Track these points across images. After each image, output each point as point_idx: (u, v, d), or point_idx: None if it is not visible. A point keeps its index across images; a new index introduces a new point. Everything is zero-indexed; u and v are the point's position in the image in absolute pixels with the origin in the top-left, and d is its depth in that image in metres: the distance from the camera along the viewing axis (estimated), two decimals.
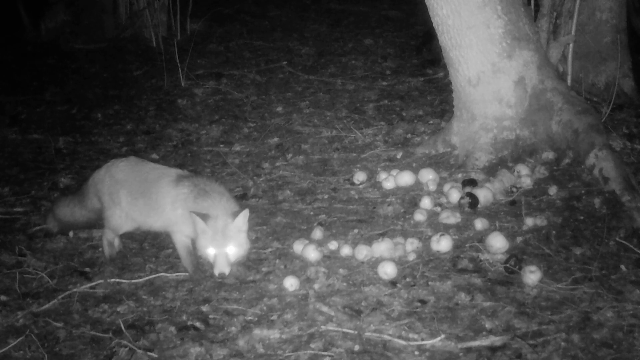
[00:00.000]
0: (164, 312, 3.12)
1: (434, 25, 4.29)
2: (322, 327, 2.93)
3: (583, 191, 3.83)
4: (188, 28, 7.54)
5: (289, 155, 4.73)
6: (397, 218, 3.83)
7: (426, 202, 3.89)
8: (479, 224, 3.63)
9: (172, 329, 2.98)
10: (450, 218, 3.73)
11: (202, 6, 7.78)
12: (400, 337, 2.85)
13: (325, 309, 3.06)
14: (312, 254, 3.46)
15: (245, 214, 3.15)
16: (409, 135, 4.90)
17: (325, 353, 2.78)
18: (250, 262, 3.50)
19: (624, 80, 5.04)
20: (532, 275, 3.14)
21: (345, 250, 3.51)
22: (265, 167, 4.60)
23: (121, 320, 3.04)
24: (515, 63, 4.17)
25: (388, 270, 3.27)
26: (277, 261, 3.49)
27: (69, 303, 3.22)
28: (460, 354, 2.74)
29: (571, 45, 4.67)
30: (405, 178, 4.15)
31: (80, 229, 3.79)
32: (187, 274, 3.41)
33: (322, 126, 5.20)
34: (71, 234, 3.80)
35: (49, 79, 6.52)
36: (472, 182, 4.01)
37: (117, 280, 3.38)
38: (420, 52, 6.81)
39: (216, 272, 3.14)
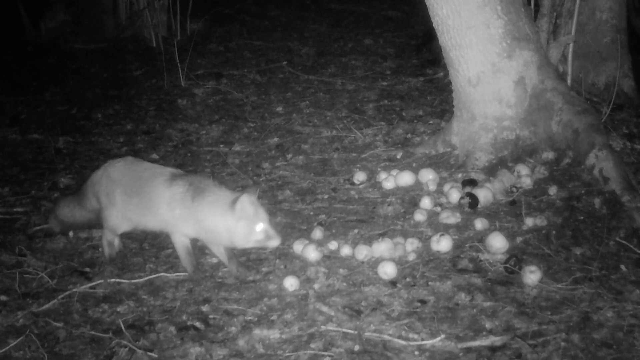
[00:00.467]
0: (164, 312, 3.12)
1: (434, 25, 4.30)
2: (322, 327, 2.94)
3: (583, 191, 3.83)
4: (188, 28, 7.54)
5: (289, 155, 4.73)
6: (397, 218, 3.83)
7: (426, 202, 3.89)
8: (479, 224, 3.63)
9: (172, 329, 2.98)
10: (450, 218, 3.73)
11: (202, 6, 7.77)
12: (400, 337, 2.85)
13: (325, 309, 3.06)
14: (312, 254, 3.46)
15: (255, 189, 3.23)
16: (409, 135, 4.90)
17: (325, 353, 2.78)
18: (250, 262, 3.50)
19: (624, 80, 5.04)
20: (532, 275, 3.14)
21: (345, 250, 3.52)
22: (265, 167, 4.60)
23: (121, 320, 3.04)
24: (515, 63, 4.17)
25: (388, 270, 3.27)
26: (277, 261, 3.49)
27: (69, 303, 3.22)
28: (460, 354, 2.74)
29: (571, 45, 4.67)
30: (405, 178, 4.15)
31: (81, 229, 3.79)
32: (187, 274, 3.41)
33: (322, 126, 5.20)
34: (71, 234, 3.80)
35: (49, 79, 6.52)
36: (472, 182, 4.01)
37: (117, 280, 3.38)
38: (420, 52, 6.81)
39: (277, 242, 3.18)
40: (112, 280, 3.38)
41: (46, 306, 3.19)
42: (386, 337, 2.85)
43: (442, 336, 2.82)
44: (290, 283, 3.25)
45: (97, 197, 3.51)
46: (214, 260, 3.54)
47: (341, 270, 3.37)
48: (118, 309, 3.16)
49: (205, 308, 3.13)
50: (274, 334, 2.92)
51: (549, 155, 4.17)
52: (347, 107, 5.57)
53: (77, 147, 5.06)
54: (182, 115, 5.59)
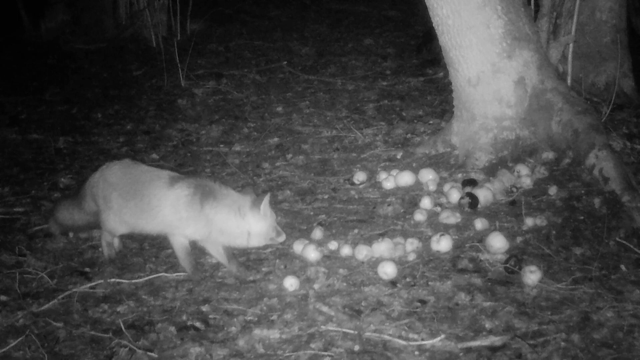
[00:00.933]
0: (164, 312, 3.12)
1: (434, 25, 4.29)
2: (322, 327, 2.94)
3: (583, 191, 3.83)
4: (188, 28, 7.54)
5: (289, 155, 4.73)
6: (397, 218, 3.83)
7: (426, 202, 3.89)
8: (479, 224, 3.63)
9: (172, 329, 2.98)
10: (450, 218, 3.73)
11: (202, 6, 7.77)
12: (400, 337, 2.85)
13: (325, 309, 3.06)
14: (312, 254, 3.46)
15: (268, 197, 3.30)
16: (409, 135, 4.90)
17: (325, 353, 2.78)
18: (250, 262, 3.50)
19: (624, 80, 5.04)
20: (532, 275, 3.14)
21: (345, 250, 3.51)
22: (265, 167, 4.60)
23: (121, 320, 3.04)
24: (515, 63, 4.17)
25: (388, 270, 3.27)
26: (277, 261, 3.49)
27: (69, 303, 3.22)
28: (460, 354, 2.74)
29: (571, 45, 4.67)
30: (405, 178, 4.15)
31: (82, 231, 3.79)
32: (187, 274, 3.41)
33: (322, 126, 5.20)
34: (71, 234, 3.80)
35: (49, 79, 6.52)
36: (472, 182, 4.01)
37: (117, 280, 3.38)
38: (420, 52, 6.81)
39: (284, 237, 3.38)
40: (112, 280, 3.38)
41: (46, 306, 3.19)
42: (386, 337, 2.85)
43: (442, 336, 2.82)
44: (290, 283, 3.25)
45: (94, 200, 3.51)
46: (214, 260, 3.54)
47: (341, 270, 3.37)
48: (118, 309, 3.16)
49: (205, 308, 3.13)
50: (274, 334, 2.92)
51: (549, 155, 4.16)
52: (347, 107, 5.57)
53: (77, 147, 5.06)
54: (182, 115, 5.59)
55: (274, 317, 3.03)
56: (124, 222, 3.43)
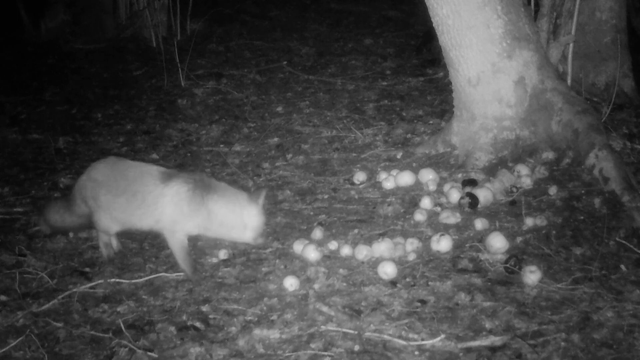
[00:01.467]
0: (164, 312, 3.12)
1: (434, 25, 4.29)
2: (322, 327, 2.94)
3: (583, 191, 3.83)
4: (188, 28, 7.54)
5: (289, 155, 4.73)
6: (397, 218, 3.83)
7: (426, 202, 3.89)
8: (479, 224, 3.63)
9: (172, 329, 2.98)
10: (450, 218, 3.73)
11: (202, 6, 7.77)
12: (400, 337, 2.85)
13: (325, 309, 3.06)
14: (312, 254, 3.46)
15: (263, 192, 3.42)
16: (409, 135, 4.90)
17: (325, 353, 2.78)
18: (250, 262, 3.50)
19: (624, 80, 5.04)
20: (532, 275, 3.14)
21: (345, 250, 3.51)
22: (265, 167, 4.60)
23: (121, 320, 3.04)
24: (515, 63, 4.17)
25: (388, 270, 3.27)
26: (277, 261, 3.49)
27: (69, 303, 3.22)
28: (460, 354, 2.74)
29: (571, 45, 4.67)
30: (405, 178, 4.15)
31: (74, 232, 3.77)
32: (185, 275, 3.40)
33: (322, 126, 5.20)
34: (71, 234, 3.80)
35: (49, 79, 6.52)
36: (472, 182, 4.01)
37: (117, 280, 3.38)
38: (420, 52, 6.81)
39: (263, 240, 3.48)
40: (112, 280, 3.38)
41: (46, 306, 3.19)
42: (386, 337, 2.85)
43: (442, 336, 2.82)
44: (290, 283, 3.25)
45: (85, 202, 3.48)
46: (214, 260, 3.54)
47: (341, 270, 3.37)
48: (118, 309, 3.16)
49: (205, 308, 3.13)
50: (274, 334, 2.92)
51: (549, 155, 4.17)
52: (347, 107, 5.57)
53: (77, 147, 5.06)
54: (182, 115, 5.59)
55: (274, 317, 3.03)
56: (115, 219, 3.42)
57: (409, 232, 3.68)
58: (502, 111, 4.23)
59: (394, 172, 4.23)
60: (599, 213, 3.64)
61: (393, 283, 3.23)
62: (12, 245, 3.71)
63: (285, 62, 6.74)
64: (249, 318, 3.04)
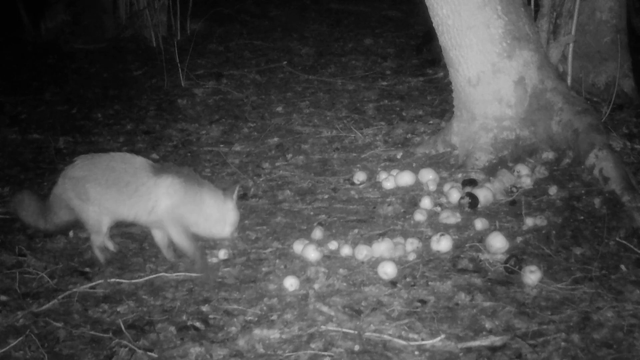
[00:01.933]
0: (164, 312, 3.12)
1: (434, 25, 4.29)
2: (322, 327, 2.94)
3: (583, 191, 3.83)
4: (188, 28, 7.54)
5: (289, 155, 4.73)
6: (397, 218, 3.83)
7: (426, 202, 3.89)
8: (479, 224, 3.63)
9: (172, 329, 2.98)
10: (450, 218, 3.73)
11: (202, 6, 7.77)
12: (400, 337, 2.85)
13: (325, 309, 3.06)
14: (312, 254, 3.46)
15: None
16: (409, 135, 4.90)
17: (325, 353, 2.78)
18: (250, 262, 3.50)
19: (624, 80, 5.04)
20: (532, 275, 3.14)
21: (345, 250, 3.51)
22: (265, 167, 4.60)
23: (121, 320, 3.04)
24: (515, 63, 4.17)
25: (388, 270, 3.27)
26: (277, 261, 3.49)
27: (69, 303, 3.22)
28: (460, 354, 2.74)
29: (571, 45, 4.67)
30: (405, 178, 4.15)
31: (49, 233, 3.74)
32: (187, 274, 3.41)
33: (322, 126, 5.20)
34: (71, 234, 3.80)
35: (49, 79, 6.52)
36: (472, 182, 4.01)
37: (117, 280, 3.38)
38: (420, 52, 6.81)
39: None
40: (112, 280, 3.38)
41: (46, 306, 3.19)
42: (386, 337, 2.85)
43: (442, 336, 2.82)
44: (290, 283, 3.25)
45: (68, 206, 3.47)
46: (214, 260, 3.54)
47: (341, 270, 3.37)
48: (118, 309, 3.16)
49: (205, 308, 3.13)
50: (274, 334, 2.92)
51: (549, 155, 4.17)
52: (347, 107, 5.57)
53: (77, 147, 5.06)
54: (182, 115, 5.60)
55: (274, 317, 3.03)
56: (106, 211, 3.42)
57: (409, 232, 3.68)
58: (502, 111, 4.23)
59: (394, 172, 4.23)
60: (599, 213, 3.64)
61: (393, 283, 3.23)
62: (12, 245, 3.70)
63: (285, 62, 6.74)
64: (249, 318, 3.04)
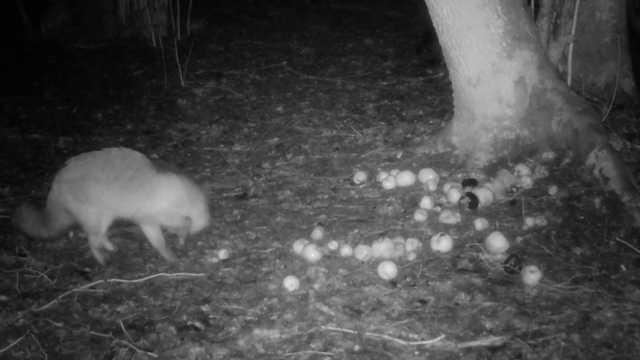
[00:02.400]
0: (164, 312, 3.12)
1: (434, 25, 4.29)
2: (322, 327, 2.94)
3: (583, 191, 3.83)
4: (188, 28, 7.53)
5: (289, 155, 4.73)
6: (397, 218, 3.83)
7: (426, 202, 3.89)
8: (479, 224, 3.63)
9: (172, 329, 2.98)
10: (450, 218, 3.73)
11: (202, 6, 7.77)
12: (400, 337, 2.85)
13: (325, 309, 3.06)
14: (312, 254, 3.46)
15: None
16: (409, 135, 4.90)
17: (325, 353, 2.78)
18: (250, 262, 3.51)
19: (624, 80, 5.04)
20: (532, 275, 3.14)
21: (345, 250, 3.51)
22: (265, 167, 4.60)
23: (121, 320, 3.04)
24: (515, 63, 4.17)
25: (388, 270, 3.27)
26: (277, 261, 3.49)
27: (69, 303, 3.22)
28: (460, 354, 2.74)
29: (571, 45, 4.67)
30: (405, 178, 4.15)
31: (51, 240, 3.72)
32: (187, 273, 3.41)
33: (322, 126, 5.20)
34: (71, 234, 3.80)
35: (49, 79, 6.52)
36: (472, 182, 4.01)
37: (117, 280, 3.38)
38: (420, 52, 6.81)
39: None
40: (112, 280, 3.38)
41: (46, 306, 3.19)
42: (386, 337, 2.85)
43: (442, 336, 2.82)
44: (290, 283, 3.25)
45: (66, 210, 3.45)
46: (214, 260, 3.54)
47: (341, 270, 3.37)
48: (118, 309, 3.16)
49: (205, 308, 3.13)
50: (274, 334, 2.92)
51: (549, 155, 4.17)
52: (347, 107, 5.57)
53: (77, 147, 5.06)
54: (182, 115, 5.59)
55: (274, 317, 3.03)
56: (107, 210, 3.41)
57: (409, 232, 3.68)
58: (502, 111, 4.23)
59: (394, 172, 4.23)
60: (599, 213, 3.64)
61: (393, 283, 3.23)
62: (12, 245, 3.70)
63: (285, 62, 6.73)
64: (249, 318, 3.04)
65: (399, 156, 4.55)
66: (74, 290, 3.30)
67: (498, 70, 4.18)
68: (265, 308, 3.12)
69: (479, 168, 4.19)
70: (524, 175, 4.02)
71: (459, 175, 4.16)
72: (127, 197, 3.38)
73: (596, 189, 3.80)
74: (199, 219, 3.56)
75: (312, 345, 2.82)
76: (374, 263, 3.39)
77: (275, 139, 5.02)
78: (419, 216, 3.78)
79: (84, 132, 5.31)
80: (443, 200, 3.95)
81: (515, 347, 2.75)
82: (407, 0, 8.06)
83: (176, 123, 5.43)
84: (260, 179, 4.41)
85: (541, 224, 3.61)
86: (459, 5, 4.09)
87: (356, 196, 4.13)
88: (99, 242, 3.53)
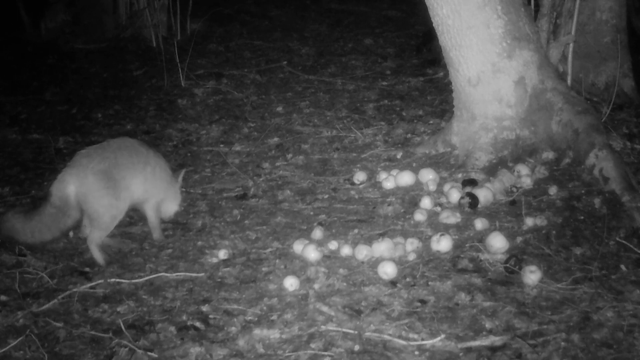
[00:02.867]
0: (164, 312, 3.12)
1: (434, 25, 4.29)
2: (322, 327, 2.94)
3: (583, 191, 3.83)
4: (188, 28, 7.53)
5: (289, 155, 4.73)
6: (397, 218, 3.83)
7: (426, 202, 3.89)
8: (479, 224, 3.63)
9: (172, 329, 2.98)
10: (450, 218, 3.73)
11: (202, 6, 7.77)
12: (400, 337, 2.85)
13: (325, 309, 3.06)
14: (312, 254, 3.46)
15: None
16: (409, 135, 4.90)
17: (325, 353, 2.78)
18: (250, 262, 3.51)
19: (624, 80, 5.04)
20: (532, 275, 3.14)
21: (345, 250, 3.52)
22: (265, 167, 4.60)
23: (121, 320, 3.04)
24: (515, 63, 4.17)
25: (388, 270, 3.27)
26: (277, 261, 3.49)
27: (69, 303, 3.22)
28: (460, 354, 2.74)
29: (571, 45, 4.67)
30: (405, 178, 4.15)
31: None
32: (187, 273, 3.41)
33: (322, 126, 5.20)
34: (71, 234, 3.79)
35: (49, 79, 6.52)
36: (472, 182, 4.01)
37: (117, 280, 3.38)
38: (420, 52, 6.81)
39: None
40: (112, 280, 3.38)
41: (46, 306, 3.19)
42: (386, 337, 2.85)
43: (442, 336, 2.82)
44: (290, 283, 3.25)
45: (85, 202, 3.41)
46: (214, 260, 3.54)
47: (341, 270, 3.37)
48: (118, 309, 3.16)
49: (205, 308, 3.13)
50: (274, 334, 2.92)
51: (549, 155, 4.17)
52: (347, 107, 5.57)
53: (77, 147, 5.04)
54: (182, 115, 5.60)
55: (274, 317, 3.03)
56: (129, 197, 3.53)
57: (409, 232, 3.68)
58: (502, 111, 4.23)
59: (394, 172, 4.23)
60: (599, 213, 3.64)
61: (393, 283, 3.23)
62: (12, 245, 3.70)
63: (285, 62, 6.74)
64: (249, 318, 3.04)
65: (399, 156, 4.55)
66: (74, 290, 3.30)
67: (498, 70, 4.18)
68: (265, 308, 3.12)
69: (479, 168, 4.19)
70: (524, 175, 4.02)
71: (459, 175, 4.16)
72: (152, 183, 3.61)
73: (596, 189, 3.80)
74: (171, 204, 3.80)
75: (312, 345, 2.83)
76: (374, 263, 3.39)
77: (275, 139, 5.02)
78: (419, 216, 3.78)
79: (84, 132, 5.31)
80: (443, 200, 3.95)
81: (515, 347, 2.75)
82: (407, 0, 8.06)
83: (176, 123, 5.43)
84: (260, 179, 4.41)
85: (541, 224, 3.61)
86: (459, 5, 4.09)
87: (356, 196, 4.13)
88: (100, 239, 3.53)
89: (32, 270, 3.46)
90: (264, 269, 3.44)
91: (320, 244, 3.57)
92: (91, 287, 3.34)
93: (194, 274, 3.42)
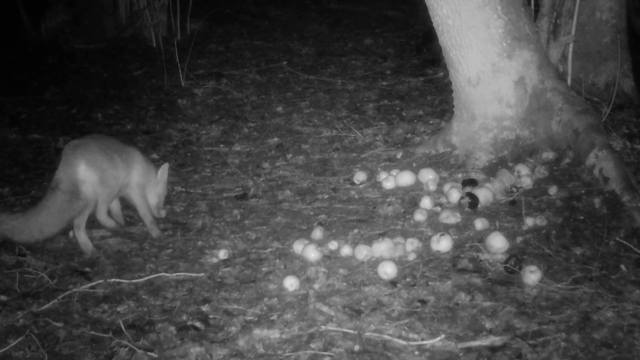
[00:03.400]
0: (164, 312, 3.12)
1: (434, 25, 4.30)
2: (322, 327, 2.94)
3: (583, 191, 3.83)
4: (188, 28, 7.54)
5: (289, 155, 4.73)
6: (397, 218, 3.83)
7: (426, 202, 3.89)
8: (479, 224, 3.63)
9: (172, 329, 2.98)
10: (450, 218, 3.73)
11: (202, 6, 7.77)
12: (400, 337, 2.85)
13: (325, 309, 3.06)
14: (312, 254, 3.46)
15: None
16: (409, 135, 4.90)
17: (325, 353, 2.78)
18: (250, 262, 3.51)
19: (624, 80, 5.04)
20: (532, 275, 3.14)
21: (345, 250, 3.51)
22: (265, 167, 4.60)
23: (121, 320, 3.04)
24: (515, 63, 4.17)
25: (388, 270, 3.27)
26: (277, 261, 3.49)
27: (69, 303, 3.22)
28: (460, 354, 2.74)
29: (571, 45, 4.67)
30: (405, 178, 4.15)
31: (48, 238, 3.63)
32: (187, 273, 3.42)
33: (322, 126, 5.20)
34: (71, 234, 3.79)
35: (49, 79, 6.52)
36: (472, 182, 4.01)
37: (117, 280, 3.38)
38: (420, 52, 6.81)
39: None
40: (112, 280, 3.38)
41: (46, 306, 3.19)
42: (386, 337, 2.85)
43: (442, 336, 2.82)
44: (290, 283, 3.25)
45: (93, 183, 3.57)
46: (214, 260, 3.54)
47: (341, 270, 3.37)
48: (118, 309, 3.16)
49: (205, 308, 3.13)
50: (274, 334, 2.92)
51: (549, 155, 4.17)
52: (347, 107, 5.57)
53: None
54: (182, 115, 5.60)
55: (274, 317, 3.03)
56: (121, 171, 3.72)
57: (409, 232, 3.68)
58: (502, 111, 4.23)
59: (394, 172, 4.23)
60: (599, 213, 3.64)
61: (393, 283, 3.23)
62: (12, 245, 3.70)
63: (285, 62, 6.74)
64: (249, 318, 3.04)
65: (399, 156, 4.55)
66: (74, 290, 3.30)
67: (498, 70, 4.18)
68: (265, 308, 3.12)
69: (479, 168, 4.19)
70: (524, 175, 4.02)
71: (459, 175, 4.16)
72: (127, 172, 3.79)
73: (596, 189, 3.80)
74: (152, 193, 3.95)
75: (312, 345, 2.83)
76: (374, 263, 3.39)
77: (275, 139, 5.03)
78: (419, 216, 3.78)
79: (84, 132, 5.29)
80: (443, 200, 3.95)
81: (515, 347, 2.75)
82: (407, 0, 8.07)
83: (176, 123, 5.43)
84: (260, 179, 4.41)
85: (541, 224, 3.61)
86: (459, 5, 4.09)
87: (356, 196, 4.13)
88: (84, 220, 3.62)
89: (32, 270, 3.46)
90: (264, 269, 3.44)
91: (320, 244, 3.57)
92: (91, 287, 3.34)
93: (194, 274, 3.42)
